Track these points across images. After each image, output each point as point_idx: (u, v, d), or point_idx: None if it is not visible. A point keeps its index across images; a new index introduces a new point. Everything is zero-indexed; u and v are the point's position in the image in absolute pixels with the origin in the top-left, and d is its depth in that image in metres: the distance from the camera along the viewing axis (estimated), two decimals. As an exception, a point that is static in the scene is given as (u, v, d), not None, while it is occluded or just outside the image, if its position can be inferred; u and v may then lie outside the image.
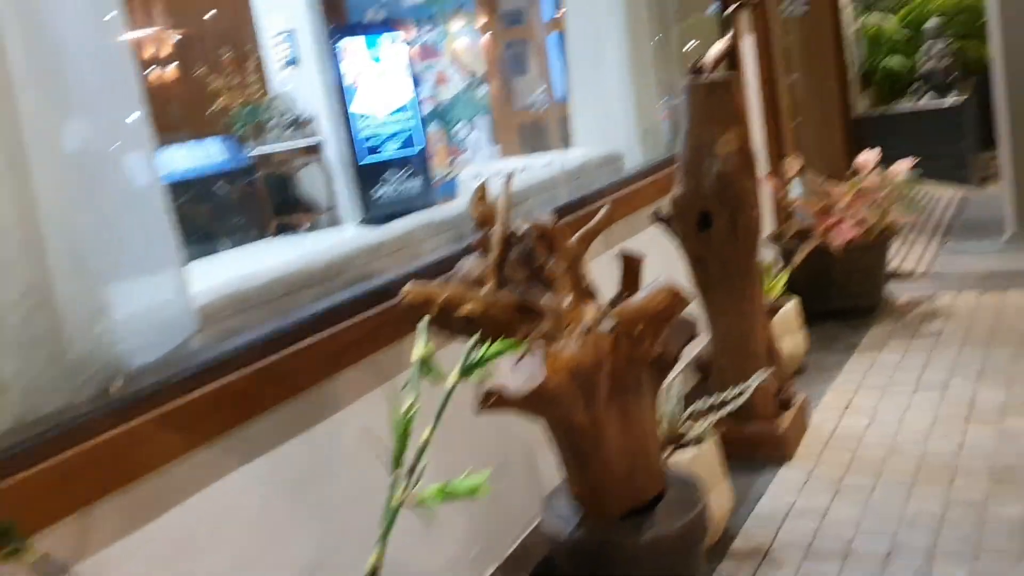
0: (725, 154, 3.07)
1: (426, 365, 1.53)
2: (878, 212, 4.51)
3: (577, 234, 2.14)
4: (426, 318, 1.68)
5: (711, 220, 3.12)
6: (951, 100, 7.53)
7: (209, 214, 7.50)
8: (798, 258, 4.36)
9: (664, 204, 3.30)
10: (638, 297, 2.00)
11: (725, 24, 4.76)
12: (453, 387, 1.51)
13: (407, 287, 1.92)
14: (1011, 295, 4.60)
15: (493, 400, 1.69)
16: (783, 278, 4.01)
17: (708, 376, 3.31)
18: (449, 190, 8.69)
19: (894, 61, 7.77)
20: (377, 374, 2.11)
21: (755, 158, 3.14)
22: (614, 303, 2.08)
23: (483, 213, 2.10)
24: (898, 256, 5.35)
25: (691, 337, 2.19)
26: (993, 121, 5.61)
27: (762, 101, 5.21)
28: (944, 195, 7.14)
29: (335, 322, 2.03)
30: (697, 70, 3.14)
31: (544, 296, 2.04)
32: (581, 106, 4.47)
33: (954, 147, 7.53)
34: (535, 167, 4.15)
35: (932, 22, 7.62)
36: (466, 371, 1.52)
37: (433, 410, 1.54)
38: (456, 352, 1.63)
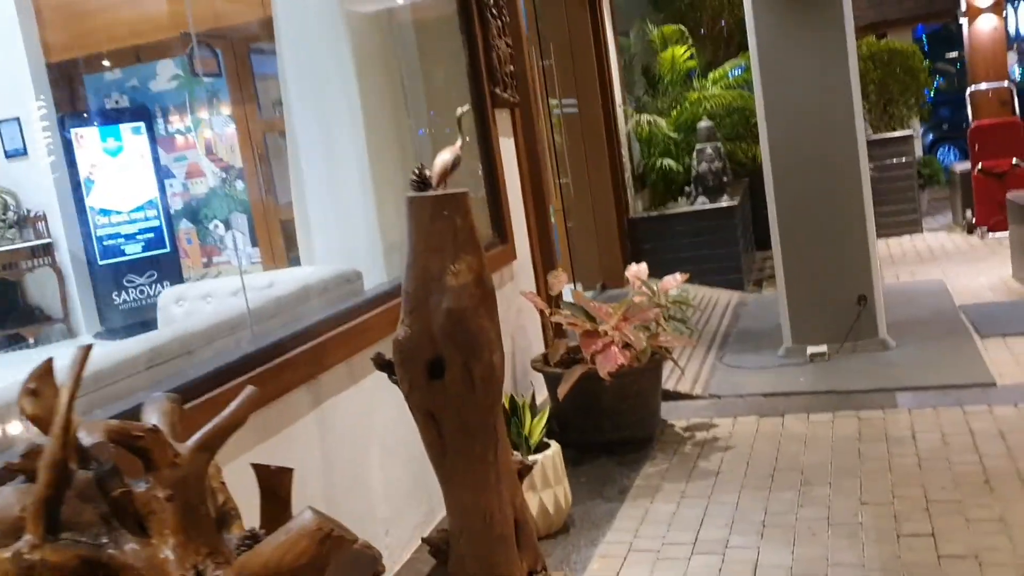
0: (457, 286, 2.48)
1: None
2: (649, 333, 4.08)
3: (194, 438, 1.44)
4: None
5: (443, 367, 2.51)
6: (724, 201, 7.43)
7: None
8: (564, 388, 3.83)
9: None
10: (268, 544, 1.31)
11: (482, 125, 4.27)
12: None
13: None
14: (789, 421, 4.25)
15: None
16: (542, 419, 3.44)
17: (446, 561, 2.65)
18: (206, 293, 7.79)
19: (668, 162, 7.62)
20: None
21: (492, 290, 2.57)
22: (241, 549, 1.38)
23: (37, 413, 1.37)
24: (674, 374, 4.94)
25: None
26: (764, 223, 5.39)
27: (527, 208, 4.75)
28: (720, 299, 6.94)
29: None
30: (421, 181, 2.56)
31: (131, 544, 1.32)
32: (313, 215, 3.81)
33: (729, 249, 7.41)
34: (256, 287, 3.44)
35: (703, 124, 7.54)
36: None
37: None
38: None
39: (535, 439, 3.36)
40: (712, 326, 6.21)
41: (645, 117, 7.48)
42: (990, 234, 8.39)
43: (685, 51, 8.50)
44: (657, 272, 7.75)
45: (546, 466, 3.29)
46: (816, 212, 5.26)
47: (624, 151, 7.63)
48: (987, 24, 8.81)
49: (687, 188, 7.65)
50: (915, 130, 10.34)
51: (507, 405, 3.31)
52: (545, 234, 5.10)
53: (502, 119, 4.50)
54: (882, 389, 4.50)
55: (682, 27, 8.69)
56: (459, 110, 2.66)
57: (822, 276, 5.27)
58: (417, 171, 2.58)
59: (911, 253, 8.30)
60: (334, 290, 3.28)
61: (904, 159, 9.06)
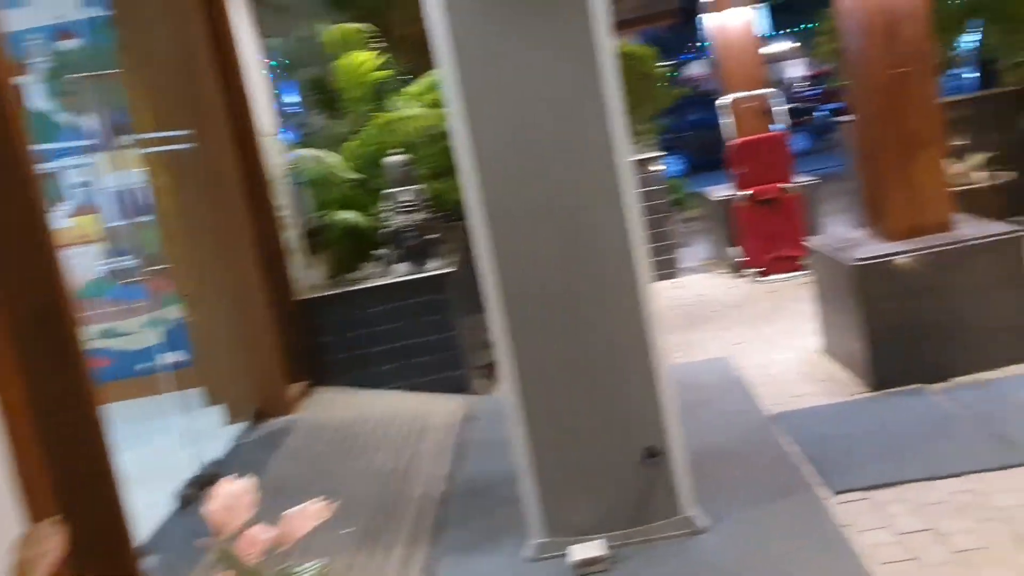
0: None
1: None
2: None
3: None
4: None
5: None
6: (433, 267, 5.23)
7: None
8: None
9: None
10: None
11: None
12: None
13: None
14: None
15: None
16: None
17: None
18: None
19: (347, 216, 5.30)
20: None
21: None
22: None
23: None
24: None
25: None
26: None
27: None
28: (435, 419, 4.73)
29: None
30: None
31: None
32: None
33: (444, 335, 5.22)
34: None
35: (392, 159, 5.28)
36: None
37: None
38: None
39: None
40: (419, 485, 3.94)
41: (307, 152, 5.12)
42: (763, 278, 6.78)
43: (371, 58, 6.23)
44: (346, 378, 5.48)
45: None
46: (564, 303, 3.14)
47: (283, 201, 5.25)
48: (738, 19, 7.21)
49: (379, 251, 5.38)
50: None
51: None
52: (78, 403, 2.62)
53: None
54: (718, 665, 2.42)
55: (363, 27, 6.41)
56: None
57: (581, 418, 3.16)
58: None
59: (676, 308, 6.50)
60: None
61: (657, 186, 7.31)
